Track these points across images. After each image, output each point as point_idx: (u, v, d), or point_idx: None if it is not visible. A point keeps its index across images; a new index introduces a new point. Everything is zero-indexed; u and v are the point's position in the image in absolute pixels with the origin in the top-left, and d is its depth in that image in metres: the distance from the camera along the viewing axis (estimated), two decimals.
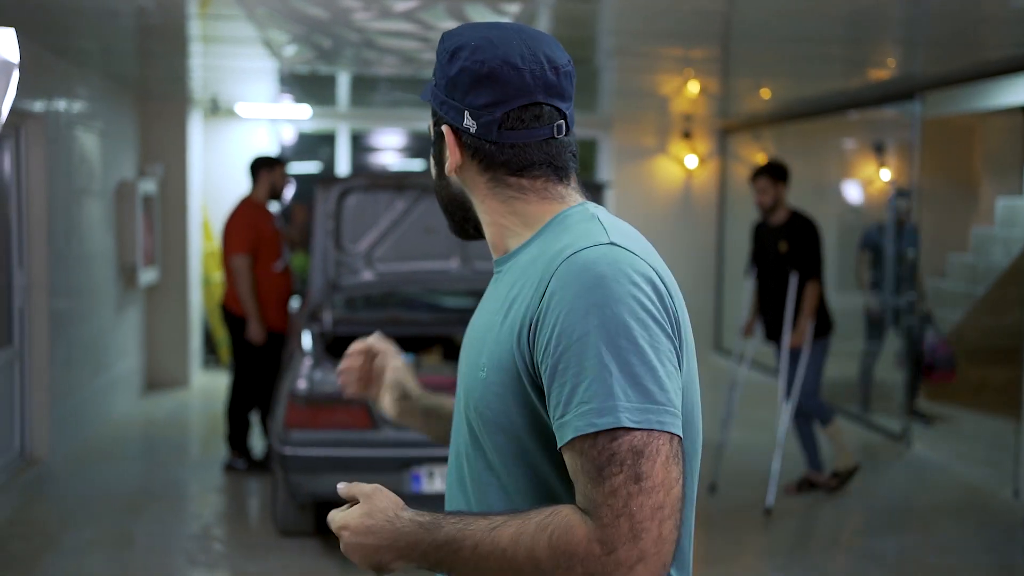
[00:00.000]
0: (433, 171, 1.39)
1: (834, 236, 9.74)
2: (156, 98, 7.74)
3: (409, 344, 4.68)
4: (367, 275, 4.43)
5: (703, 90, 7.34)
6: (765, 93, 7.57)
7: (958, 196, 9.66)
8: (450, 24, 4.40)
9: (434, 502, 3.98)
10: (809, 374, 5.10)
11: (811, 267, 5.01)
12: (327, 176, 4.43)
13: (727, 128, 9.69)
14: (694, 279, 9.43)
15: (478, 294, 5.04)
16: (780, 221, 5.11)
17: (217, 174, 8.69)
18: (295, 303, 5.55)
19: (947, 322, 7.76)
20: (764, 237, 5.25)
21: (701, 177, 9.78)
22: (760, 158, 9.56)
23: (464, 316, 4.60)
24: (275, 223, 5.59)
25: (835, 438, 5.25)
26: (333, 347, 4.32)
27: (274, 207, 5.76)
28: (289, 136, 9.49)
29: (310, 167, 9.84)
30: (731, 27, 4.81)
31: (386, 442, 3.81)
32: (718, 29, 4.87)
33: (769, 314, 5.20)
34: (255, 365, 5.49)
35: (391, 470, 3.80)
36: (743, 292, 6.09)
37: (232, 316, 5.53)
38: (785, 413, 5.09)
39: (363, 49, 5.09)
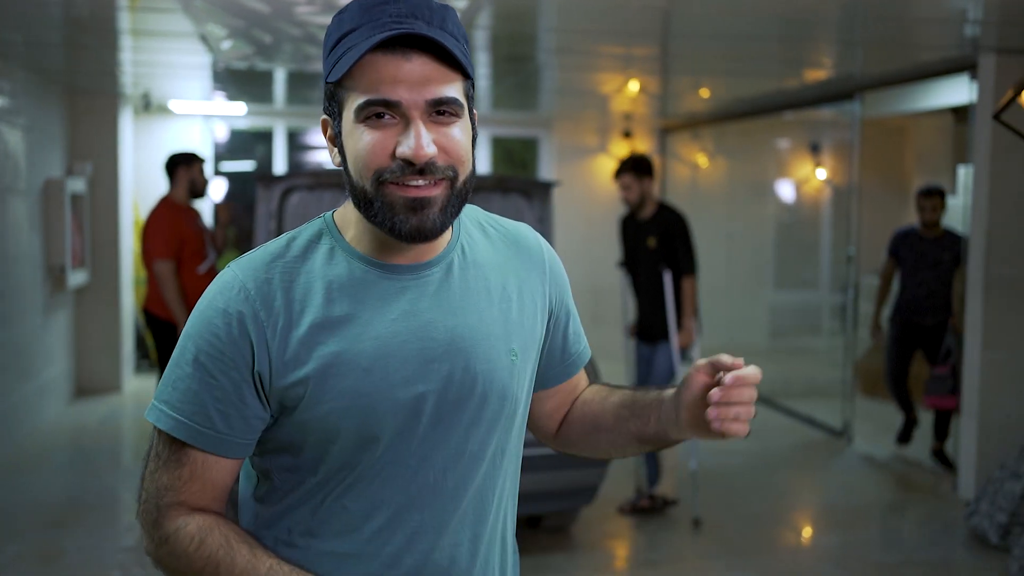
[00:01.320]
0: (470, 155, 1.25)
1: (772, 235, 9.88)
2: (85, 94, 7.48)
3: None
4: None
5: (643, 89, 7.35)
6: (704, 92, 7.61)
7: (892, 195, 9.85)
8: None
9: None
10: (661, 375, 4.86)
11: (685, 263, 4.82)
12: (269, 174, 4.28)
13: (667, 127, 9.74)
14: None
15: None
16: (648, 216, 4.92)
17: (149, 173, 8.45)
18: None
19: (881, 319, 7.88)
20: (633, 233, 5.02)
21: None
22: (700, 158, 9.64)
23: None
24: (198, 223, 5.42)
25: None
26: None
27: (204, 205, 5.58)
28: (223, 134, 9.27)
29: (245, 166, 9.64)
30: (671, 25, 4.79)
31: None
32: (659, 27, 4.85)
33: (644, 313, 4.97)
34: None
35: None
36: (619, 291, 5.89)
37: (156, 319, 5.33)
38: None
39: (304, 45, 4.96)
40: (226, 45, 5.20)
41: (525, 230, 1.45)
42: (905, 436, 6.13)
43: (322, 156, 10.03)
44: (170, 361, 1.26)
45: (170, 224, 5.24)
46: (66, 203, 6.71)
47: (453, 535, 1.31)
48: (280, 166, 9.17)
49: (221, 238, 5.69)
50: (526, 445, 4.04)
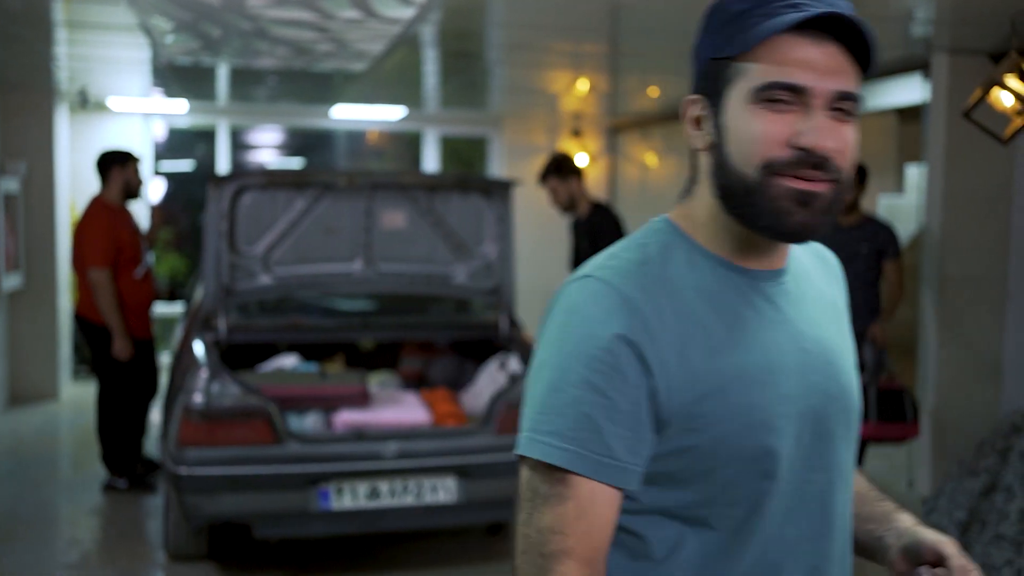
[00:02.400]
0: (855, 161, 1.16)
1: None
2: (18, 89, 7.18)
3: (310, 352, 4.42)
4: (265, 279, 4.15)
5: (593, 88, 7.30)
6: (653, 92, 7.58)
7: None
8: (351, 14, 4.17)
9: (343, 520, 3.70)
10: None
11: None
12: (220, 173, 4.12)
13: (617, 127, 9.71)
14: None
15: (382, 298, 4.82)
16: (583, 216, 4.75)
17: (86, 172, 8.15)
18: (178, 307, 5.19)
19: None
20: (574, 235, 4.84)
21: (591, 175, 9.76)
22: (650, 157, 9.62)
23: (368, 321, 4.36)
24: (133, 224, 5.19)
25: None
26: (228, 356, 4.04)
27: (139, 206, 5.36)
28: (163, 132, 9.01)
29: (185, 165, 9.38)
30: (621, 21, 4.71)
31: (291, 457, 3.55)
32: (608, 23, 4.77)
33: None
34: (121, 376, 5.11)
35: (297, 487, 3.55)
36: None
37: (90, 325, 5.09)
38: None
39: (254, 39, 4.80)
40: (171, 39, 5.00)
41: (825, 249, 1.38)
42: None
43: (264, 156, 9.80)
44: (544, 387, 1.11)
45: (106, 230, 5.00)
46: None
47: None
48: (223, 165, 8.94)
49: (153, 239, 5.48)
50: (488, 451, 3.90)
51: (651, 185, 9.72)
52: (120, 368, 5.07)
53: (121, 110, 8.27)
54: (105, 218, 5.05)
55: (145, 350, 5.19)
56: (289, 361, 4.10)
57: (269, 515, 3.56)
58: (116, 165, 5.15)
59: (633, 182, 9.82)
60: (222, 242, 4.01)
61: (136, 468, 5.24)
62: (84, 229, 5.05)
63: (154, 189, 8.79)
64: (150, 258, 5.26)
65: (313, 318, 4.30)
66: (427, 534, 4.44)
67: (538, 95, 7.69)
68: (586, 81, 6.96)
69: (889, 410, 4.76)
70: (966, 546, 4.42)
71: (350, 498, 3.62)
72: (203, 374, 3.54)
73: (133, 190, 5.20)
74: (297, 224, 4.15)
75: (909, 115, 8.64)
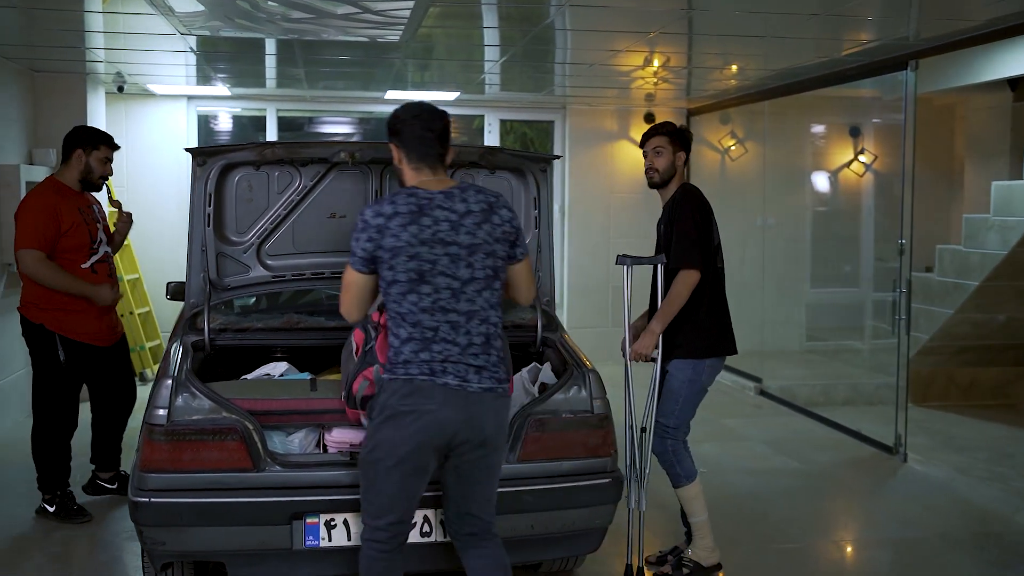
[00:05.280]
0: None
1: (809, 226, 9.06)
2: (47, 71, 6.81)
3: (307, 358, 3.77)
4: (258, 272, 3.58)
5: (666, 66, 6.59)
6: (733, 68, 6.82)
7: (940, 182, 9.03)
8: None
9: (334, 560, 3.03)
10: (669, 397, 3.77)
11: (675, 253, 3.69)
12: (205, 147, 3.55)
13: (693, 110, 8.94)
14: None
15: None
16: (668, 196, 3.85)
17: (129, 161, 7.82)
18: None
19: (935, 318, 7.08)
20: (663, 214, 3.90)
21: None
22: (730, 142, 8.84)
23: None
24: (90, 212, 4.50)
25: (688, 508, 3.88)
26: (217, 362, 3.48)
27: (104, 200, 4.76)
28: (210, 122, 8.60)
29: None
30: None
31: (271, 485, 2.96)
32: None
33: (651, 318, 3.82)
34: (59, 386, 4.44)
35: (279, 521, 2.95)
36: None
37: (30, 324, 4.42)
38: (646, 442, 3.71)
39: (290, 9, 4.23)
40: (182, 7, 4.49)
41: None
42: None
43: None
44: None
45: (44, 209, 4.30)
46: (22, 192, 6.04)
47: None
48: None
49: (120, 243, 4.80)
50: (512, 480, 3.17)
51: (731, 173, 8.93)
52: (58, 376, 4.42)
53: (164, 95, 7.93)
54: (48, 197, 4.37)
55: (105, 359, 4.58)
56: (278, 369, 3.50)
57: (245, 554, 2.98)
58: (79, 148, 4.47)
59: (711, 167, 9.04)
60: (207, 229, 3.46)
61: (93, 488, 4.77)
62: (20, 208, 4.42)
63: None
64: (106, 251, 4.55)
65: (313, 318, 3.69)
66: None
67: (607, 74, 7.00)
68: (659, 58, 6.28)
69: None
70: None
71: (343, 534, 3.01)
72: (167, 384, 2.97)
73: (92, 181, 4.51)
74: (296, 208, 3.57)
75: None
